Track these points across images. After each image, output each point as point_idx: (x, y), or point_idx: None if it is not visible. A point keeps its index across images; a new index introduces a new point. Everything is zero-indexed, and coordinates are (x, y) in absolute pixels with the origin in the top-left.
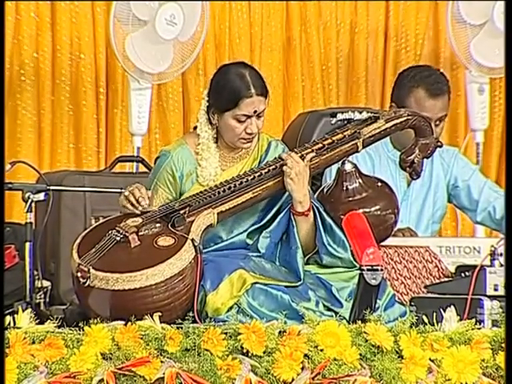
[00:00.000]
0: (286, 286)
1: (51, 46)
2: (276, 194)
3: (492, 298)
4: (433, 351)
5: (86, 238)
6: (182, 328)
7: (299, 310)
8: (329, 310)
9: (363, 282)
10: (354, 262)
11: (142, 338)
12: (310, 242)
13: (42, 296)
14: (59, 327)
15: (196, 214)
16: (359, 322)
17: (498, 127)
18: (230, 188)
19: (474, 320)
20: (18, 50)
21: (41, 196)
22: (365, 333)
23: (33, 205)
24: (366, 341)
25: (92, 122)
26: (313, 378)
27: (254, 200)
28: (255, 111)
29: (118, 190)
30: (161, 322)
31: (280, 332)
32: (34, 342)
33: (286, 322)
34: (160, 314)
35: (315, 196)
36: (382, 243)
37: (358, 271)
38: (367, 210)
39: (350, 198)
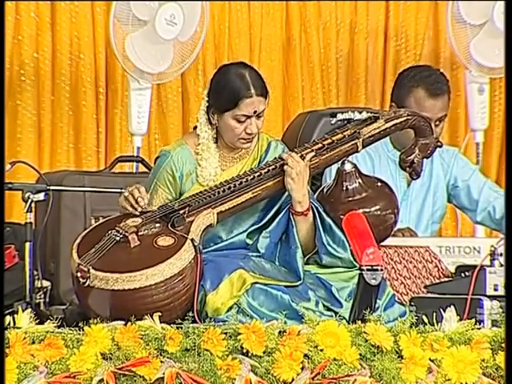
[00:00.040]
0: (285, 286)
1: (51, 46)
2: (275, 194)
3: (492, 297)
4: (433, 351)
5: (85, 238)
6: (181, 328)
7: (299, 310)
8: (329, 309)
9: (363, 282)
10: (354, 262)
11: (141, 338)
12: (310, 242)
13: (42, 296)
14: (59, 327)
15: (196, 214)
16: (359, 321)
17: (498, 127)
18: (229, 188)
19: (473, 320)
20: (18, 50)
21: (41, 196)
22: (365, 333)
23: (33, 205)
24: (366, 341)
25: (92, 122)
26: (313, 378)
27: (253, 200)
28: (255, 111)
29: (118, 190)
30: (161, 322)
31: (280, 332)
32: (33, 342)
33: (285, 322)
34: (160, 313)
35: (315, 196)
36: (382, 243)
37: (358, 271)
38: (367, 209)
39: (350, 198)
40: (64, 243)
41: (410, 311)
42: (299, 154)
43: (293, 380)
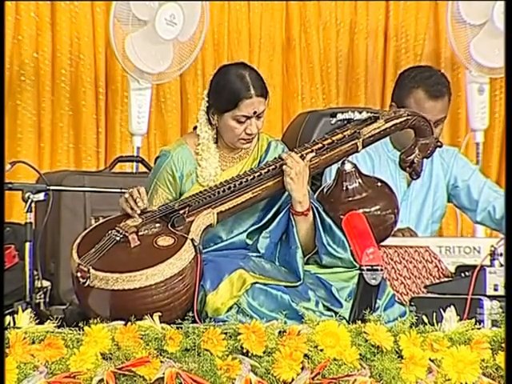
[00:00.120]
0: (285, 286)
1: (51, 46)
2: (275, 194)
3: (492, 297)
4: (433, 351)
5: (85, 238)
6: (181, 328)
7: (299, 310)
8: (328, 309)
9: (363, 282)
10: (354, 262)
11: (141, 338)
12: (310, 242)
13: (42, 296)
14: (59, 327)
15: (196, 214)
16: (359, 321)
17: (498, 127)
18: (229, 188)
19: (473, 320)
20: (18, 50)
21: (41, 196)
22: (365, 333)
23: (33, 205)
24: (366, 341)
25: (91, 122)
26: (313, 378)
27: (253, 200)
28: (255, 112)
29: (118, 190)
30: (161, 322)
31: (280, 332)
32: (33, 342)
33: (285, 322)
34: (160, 313)
35: (315, 196)
36: (382, 243)
37: (358, 271)
38: (367, 210)
39: (350, 198)
40: (64, 243)
41: (410, 311)
42: (299, 154)
43: (293, 380)
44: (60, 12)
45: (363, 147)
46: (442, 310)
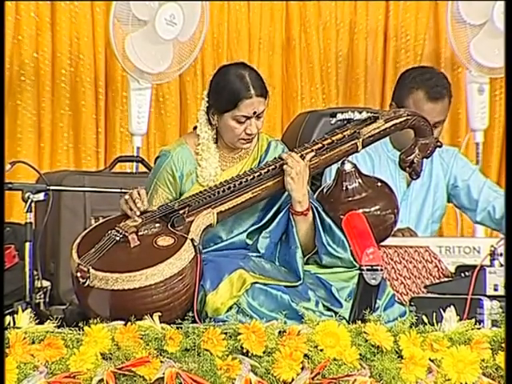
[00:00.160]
0: (285, 286)
1: (51, 46)
2: (275, 194)
3: (492, 297)
4: (433, 351)
5: (85, 237)
6: (181, 328)
7: (299, 310)
8: (328, 309)
9: (363, 282)
10: (354, 262)
11: (141, 338)
12: (310, 242)
13: (42, 296)
14: (59, 327)
15: (195, 214)
16: (359, 321)
17: (498, 127)
18: (229, 188)
19: (473, 320)
20: (18, 50)
21: (41, 196)
22: (364, 333)
23: (33, 205)
24: (366, 341)
25: (91, 122)
26: (312, 378)
27: (253, 200)
28: (255, 112)
29: (118, 190)
30: (161, 322)
31: (280, 332)
32: (33, 342)
33: (285, 322)
34: (160, 313)
35: (315, 196)
36: (382, 243)
37: (358, 271)
38: (367, 209)
39: (350, 198)
40: (64, 243)
41: (410, 311)
42: (299, 154)
43: (293, 380)
44: (60, 12)
45: (363, 147)
46: (441, 310)
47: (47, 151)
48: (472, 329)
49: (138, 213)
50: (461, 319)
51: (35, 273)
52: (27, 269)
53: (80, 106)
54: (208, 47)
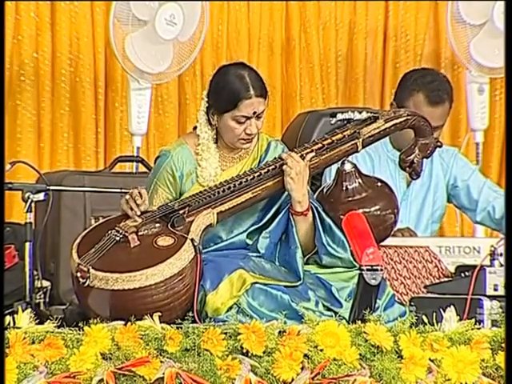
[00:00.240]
0: (285, 286)
1: (51, 46)
2: (275, 194)
3: (492, 297)
4: (433, 351)
5: (85, 237)
6: (181, 328)
7: (299, 310)
8: (328, 309)
9: (363, 282)
10: (354, 262)
11: (141, 338)
12: (310, 242)
13: (42, 296)
14: (59, 327)
15: (195, 214)
16: (359, 321)
17: (498, 127)
18: (229, 188)
19: (473, 320)
20: (18, 50)
21: (41, 196)
22: (364, 333)
23: (33, 205)
24: (366, 341)
25: (91, 122)
26: (312, 378)
27: (253, 200)
28: (254, 112)
29: (118, 190)
30: (160, 322)
31: (280, 332)
32: (33, 342)
33: (285, 322)
34: (160, 313)
35: (315, 196)
36: (382, 243)
37: (358, 271)
38: (367, 210)
39: (350, 198)
40: (64, 243)
41: (410, 311)
42: (299, 154)
43: (293, 380)
44: (60, 12)
45: (363, 147)
46: (441, 310)
47: (47, 151)
48: (472, 329)
49: (139, 213)
50: (461, 319)
51: (35, 273)
52: (27, 269)
53: (80, 106)
54: (207, 47)
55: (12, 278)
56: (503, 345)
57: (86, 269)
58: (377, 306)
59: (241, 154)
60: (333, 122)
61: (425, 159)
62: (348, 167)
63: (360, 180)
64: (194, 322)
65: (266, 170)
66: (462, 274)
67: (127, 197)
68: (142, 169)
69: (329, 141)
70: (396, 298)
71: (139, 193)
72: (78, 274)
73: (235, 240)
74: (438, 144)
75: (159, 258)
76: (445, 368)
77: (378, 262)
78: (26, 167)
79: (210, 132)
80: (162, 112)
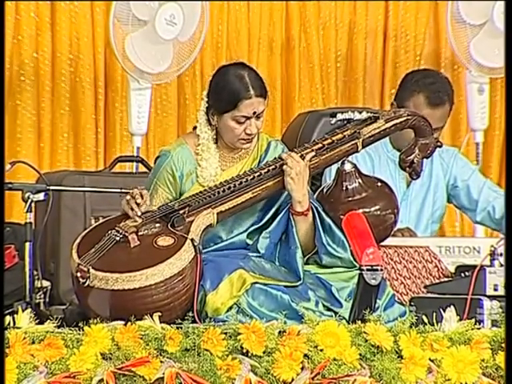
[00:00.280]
0: (285, 286)
1: (51, 46)
2: (275, 194)
3: (492, 297)
4: (433, 351)
5: (85, 237)
6: (181, 328)
7: (299, 310)
8: (328, 309)
9: (363, 282)
10: (354, 262)
11: (141, 338)
12: (310, 242)
13: (42, 296)
14: (59, 327)
15: (195, 214)
16: (359, 321)
17: (498, 127)
18: (229, 188)
19: (473, 320)
20: (18, 50)
21: (41, 196)
22: (364, 333)
23: (33, 205)
24: (366, 341)
25: (90, 122)
26: (312, 378)
27: (253, 200)
28: (254, 112)
29: (118, 190)
30: (160, 322)
31: (280, 332)
32: (33, 342)
33: (285, 322)
34: (160, 313)
35: (315, 196)
36: (382, 243)
37: (358, 271)
38: (367, 210)
39: (350, 198)
40: (64, 243)
41: (410, 311)
42: (299, 154)
43: (293, 380)
44: (60, 12)
45: (363, 147)
46: (441, 310)
47: (47, 151)
48: (472, 329)
49: (140, 213)
50: (461, 319)
51: (35, 273)
52: (27, 269)
53: (80, 106)
54: (207, 47)
55: (12, 278)
56: (503, 345)
57: (86, 269)
58: (377, 306)
59: (241, 154)
60: (333, 122)
61: (425, 159)
62: (348, 167)
63: (360, 180)
64: (193, 321)
65: (266, 170)
66: (462, 274)
67: (128, 197)
68: (142, 169)
69: (329, 141)
70: (396, 298)
71: (140, 193)
72: (78, 274)
73: (235, 240)
74: (438, 144)
75: (159, 258)
76: (445, 368)
77: (378, 262)
78: (26, 167)
79: (209, 132)
80: (161, 112)
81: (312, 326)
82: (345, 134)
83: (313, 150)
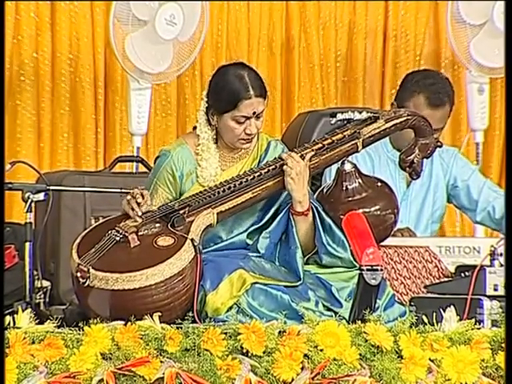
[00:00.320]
0: (285, 286)
1: (51, 46)
2: (275, 194)
3: (492, 297)
4: (433, 351)
5: (85, 237)
6: (181, 328)
7: (299, 310)
8: (328, 309)
9: (363, 282)
10: (354, 262)
11: (141, 338)
12: (310, 242)
13: (42, 296)
14: (59, 327)
15: (196, 214)
16: (359, 321)
17: (498, 127)
18: (229, 188)
19: (473, 320)
20: (18, 50)
21: (41, 196)
22: (364, 333)
23: (33, 205)
24: (366, 341)
25: (90, 122)
26: (312, 378)
27: (253, 200)
28: (254, 112)
29: (118, 190)
30: (160, 322)
31: (280, 332)
32: (33, 342)
33: (285, 322)
34: (160, 313)
35: (315, 196)
36: (382, 243)
37: (358, 271)
38: (367, 209)
39: (350, 198)
40: (64, 243)
41: (410, 311)
42: (299, 154)
43: (293, 380)
44: (60, 12)
45: (363, 147)
46: (441, 310)
47: (47, 151)
48: (472, 329)
49: (140, 213)
50: (461, 319)
51: (35, 273)
52: (27, 269)
53: (79, 106)
54: (207, 47)
55: (12, 278)
56: (503, 345)
57: (86, 269)
58: (377, 306)
59: (241, 154)
60: (333, 122)
61: (425, 159)
62: (348, 167)
63: (360, 180)
64: (194, 321)
65: (266, 170)
66: (462, 274)
67: (128, 197)
68: (142, 169)
69: (329, 141)
70: (396, 298)
71: (141, 193)
72: (78, 274)
73: (235, 240)
74: (438, 144)
75: (159, 258)
76: (445, 368)
77: (378, 262)
78: (26, 167)
79: (209, 132)
80: (161, 112)
81: (312, 325)
82: (345, 134)
83: (313, 150)
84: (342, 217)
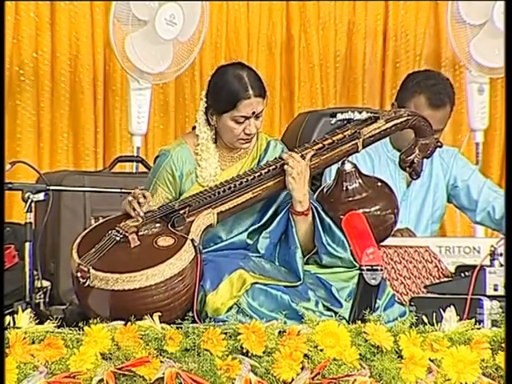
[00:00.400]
0: (285, 286)
1: (50, 46)
2: (275, 194)
3: (492, 298)
4: (432, 351)
5: (85, 238)
6: (181, 328)
7: (299, 310)
8: (328, 309)
9: (363, 282)
10: (354, 262)
11: (141, 338)
12: (310, 242)
13: (42, 296)
14: (59, 327)
15: (196, 214)
16: (359, 321)
17: (498, 127)
18: (229, 188)
19: (473, 320)
20: (18, 50)
21: (41, 196)
22: (364, 333)
23: (33, 205)
24: (366, 341)
25: (90, 122)
26: (312, 378)
27: (253, 200)
28: (253, 112)
29: (118, 190)
30: (160, 322)
31: (280, 332)
32: (33, 342)
33: (285, 322)
34: (160, 314)
35: (315, 196)
36: (382, 243)
37: (358, 271)
38: (367, 210)
39: (350, 198)
40: (64, 243)
41: (410, 311)
42: (299, 154)
43: (293, 380)
44: (59, 12)
45: (363, 147)
46: (441, 310)
47: (47, 151)
48: (472, 329)
49: (142, 213)
50: (461, 319)
51: (35, 273)
52: (27, 269)
53: (79, 106)
54: (206, 47)
55: (12, 278)
56: (503, 345)
57: (86, 269)
58: (377, 306)
59: (240, 154)
60: (333, 122)
61: (425, 159)
62: (348, 167)
63: (360, 180)
64: (194, 321)
65: (266, 170)
66: (462, 274)
67: (130, 198)
68: (142, 169)
69: (329, 141)
70: (396, 298)
71: (143, 195)
72: (78, 274)
73: (235, 240)
74: (438, 144)
75: (159, 258)
76: (445, 368)
77: (378, 262)
78: (26, 167)
79: (209, 132)
80: (161, 112)
81: (312, 325)
82: (345, 134)
83: (313, 150)
84: (341, 217)
